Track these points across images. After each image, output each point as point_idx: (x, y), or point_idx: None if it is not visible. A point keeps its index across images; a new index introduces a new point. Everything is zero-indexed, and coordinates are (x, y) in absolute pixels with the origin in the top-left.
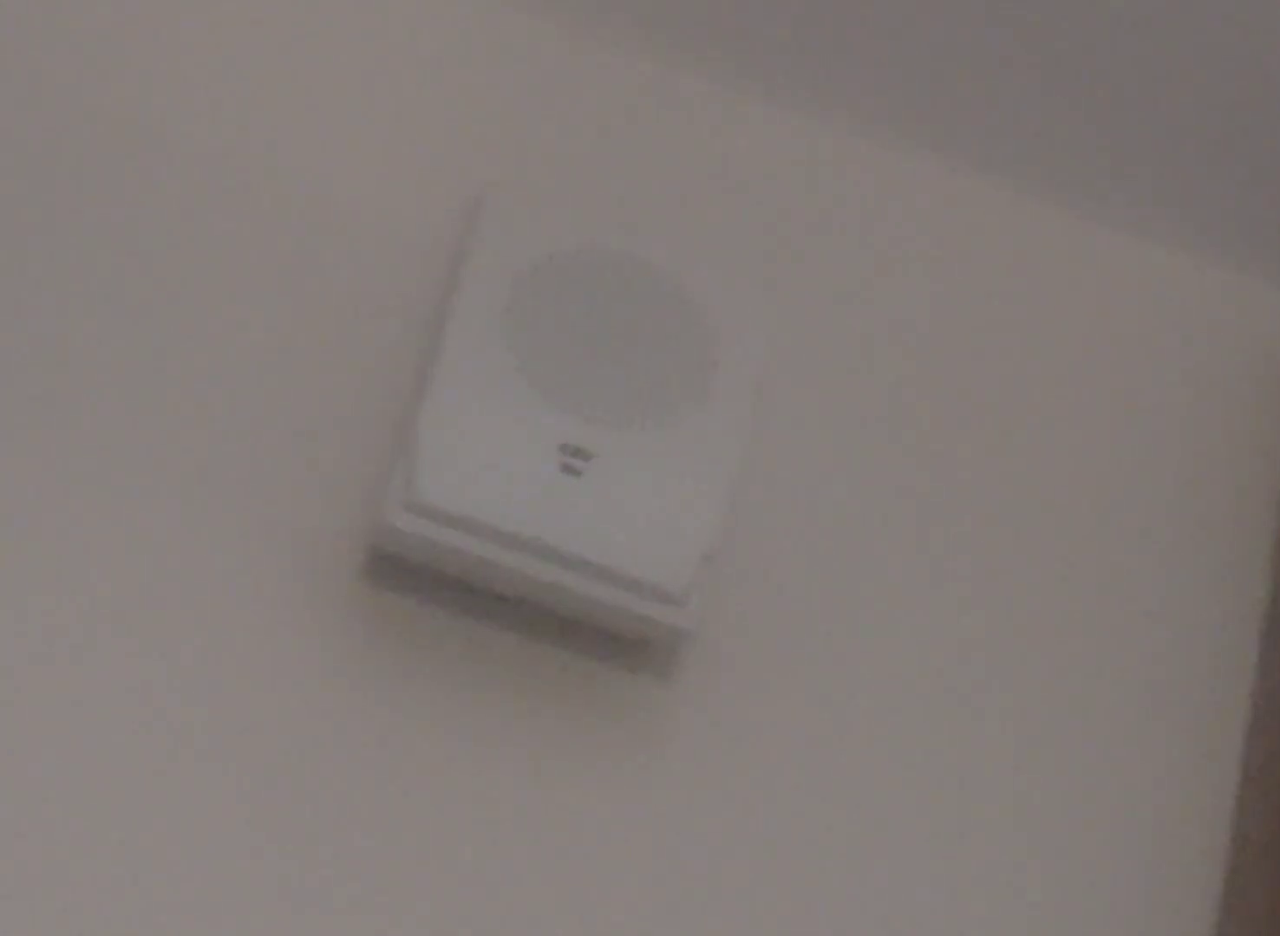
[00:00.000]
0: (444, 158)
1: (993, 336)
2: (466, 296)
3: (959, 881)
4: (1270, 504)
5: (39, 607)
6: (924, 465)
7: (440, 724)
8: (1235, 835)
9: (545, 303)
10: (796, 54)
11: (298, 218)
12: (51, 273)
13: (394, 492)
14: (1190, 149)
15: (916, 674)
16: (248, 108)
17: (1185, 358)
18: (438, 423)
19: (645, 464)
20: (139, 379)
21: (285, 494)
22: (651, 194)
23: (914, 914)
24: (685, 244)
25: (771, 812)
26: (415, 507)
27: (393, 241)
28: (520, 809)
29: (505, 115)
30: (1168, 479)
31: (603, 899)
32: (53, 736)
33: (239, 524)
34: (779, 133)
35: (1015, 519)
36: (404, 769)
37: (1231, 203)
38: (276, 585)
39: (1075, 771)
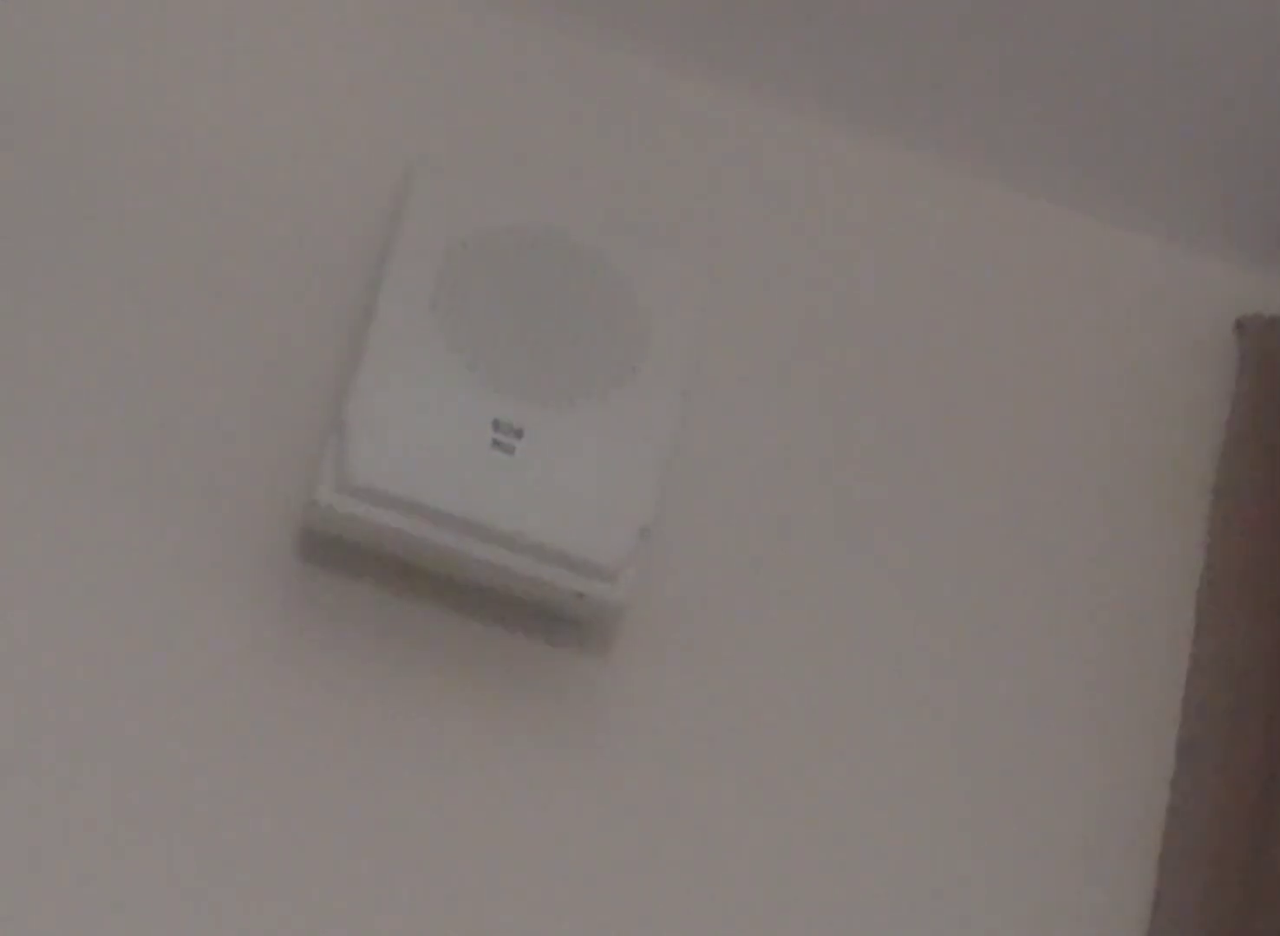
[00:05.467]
0: (375, 134)
1: (928, 311)
2: (395, 274)
3: (889, 846)
4: (1206, 474)
5: None
6: (857, 439)
7: (374, 700)
8: (1170, 807)
9: (475, 280)
10: (725, 30)
11: (228, 196)
12: None
13: (326, 472)
14: (1130, 125)
15: (849, 645)
16: (175, 84)
17: (1124, 328)
18: (368, 402)
19: (577, 440)
20: (73, 362)
21: (220, 474)
22: (582, 171)
23: (847, 883)
24: (615, 221)
25: (706, 784)
26: (347, 488)
27: (324, 219)
28: (456, 782)
29: (436, 91)
30: (1105, 455)
31: (538, 871)
32: None
33: (174, 504)
34: (709, 110)
35: (950, 492)
36: (337, 744)
37: (1174, 179)
38: (212, 564)
39: (1010, 748)
